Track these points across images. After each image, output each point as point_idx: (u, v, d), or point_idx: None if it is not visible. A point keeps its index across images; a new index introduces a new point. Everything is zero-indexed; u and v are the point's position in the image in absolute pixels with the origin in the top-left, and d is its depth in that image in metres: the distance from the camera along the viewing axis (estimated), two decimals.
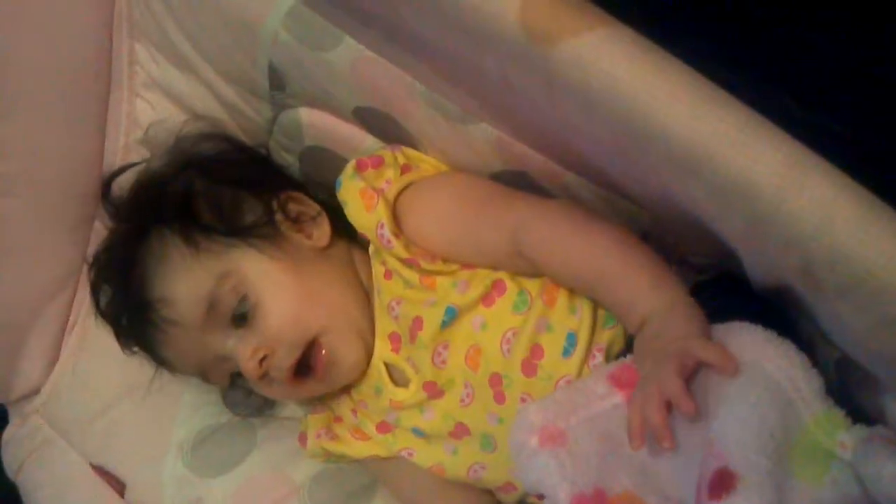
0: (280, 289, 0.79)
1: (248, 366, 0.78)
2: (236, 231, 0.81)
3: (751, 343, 0.60)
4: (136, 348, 0.88)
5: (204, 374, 0.84)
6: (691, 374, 0.59)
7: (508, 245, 0.72)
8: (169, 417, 0.95)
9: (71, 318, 1.01)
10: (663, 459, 0.62)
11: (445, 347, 0.75)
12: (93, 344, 1.00)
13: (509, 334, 0.73)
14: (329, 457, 0.86)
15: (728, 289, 0.69)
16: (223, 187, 0.84)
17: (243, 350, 0.78)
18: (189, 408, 0.96)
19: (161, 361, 0.86)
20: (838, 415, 0.58)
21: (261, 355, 0.77)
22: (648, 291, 0.65)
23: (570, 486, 0.62)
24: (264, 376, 0.79)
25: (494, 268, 0.75)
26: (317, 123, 0.88)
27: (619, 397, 0.64)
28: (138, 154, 0.97)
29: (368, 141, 0.85)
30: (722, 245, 0.60)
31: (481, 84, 0.65)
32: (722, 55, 0.61)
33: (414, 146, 0.82)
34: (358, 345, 0.80)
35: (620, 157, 0.57)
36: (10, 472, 0.99)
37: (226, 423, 0.94)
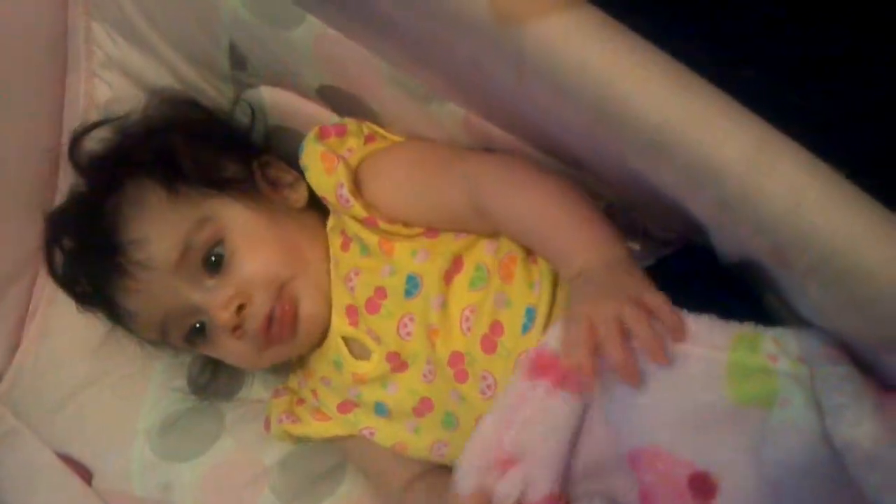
0: (257, 236, 0.78)
1: (223, 315, 0.76)
2: (216, 182, 0.80)
3: None
4: (93, 304, 0.86)
5: (164, 329, 0.81)
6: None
7: (466, 201, 0.72)
8: (135, 404, 0.94)
9: (32, 304, 0.99)
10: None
11: (412, 320, 0.75)
12: (56, 331, 0.98)
13: (468, 311, 0.72)
14: (294, 439, 0.86)
15: (691, 267, 0.69)
16: (204, 146, 0.83)
17: (218, 298, 0.77)
18: (155, 394, 0.95)
19: (121, 316, 0.83)
20: (748, 332, 0.59)
21: (236, 303, 0.76)
22: (589, 243, 0.65)
23: (535, 494, 0.64)
24: (237, 328, 0.77)
25: (456, 228, 0.75)
26: (280, 103, 0.87)
27: (543, 386, 0.64)
28: (96, 133, 0.95)
29: (334, 121, 0.84)
30: (689, 221, 0.60)
31: (449, 64, 0.64)
32: (691, 34, 0.61)
33: (380, 125, 0.81)
34: (319, 298, 0.79)
35: (590, 139, 0.57)
36: None
37: (193, 407, 0.94)
